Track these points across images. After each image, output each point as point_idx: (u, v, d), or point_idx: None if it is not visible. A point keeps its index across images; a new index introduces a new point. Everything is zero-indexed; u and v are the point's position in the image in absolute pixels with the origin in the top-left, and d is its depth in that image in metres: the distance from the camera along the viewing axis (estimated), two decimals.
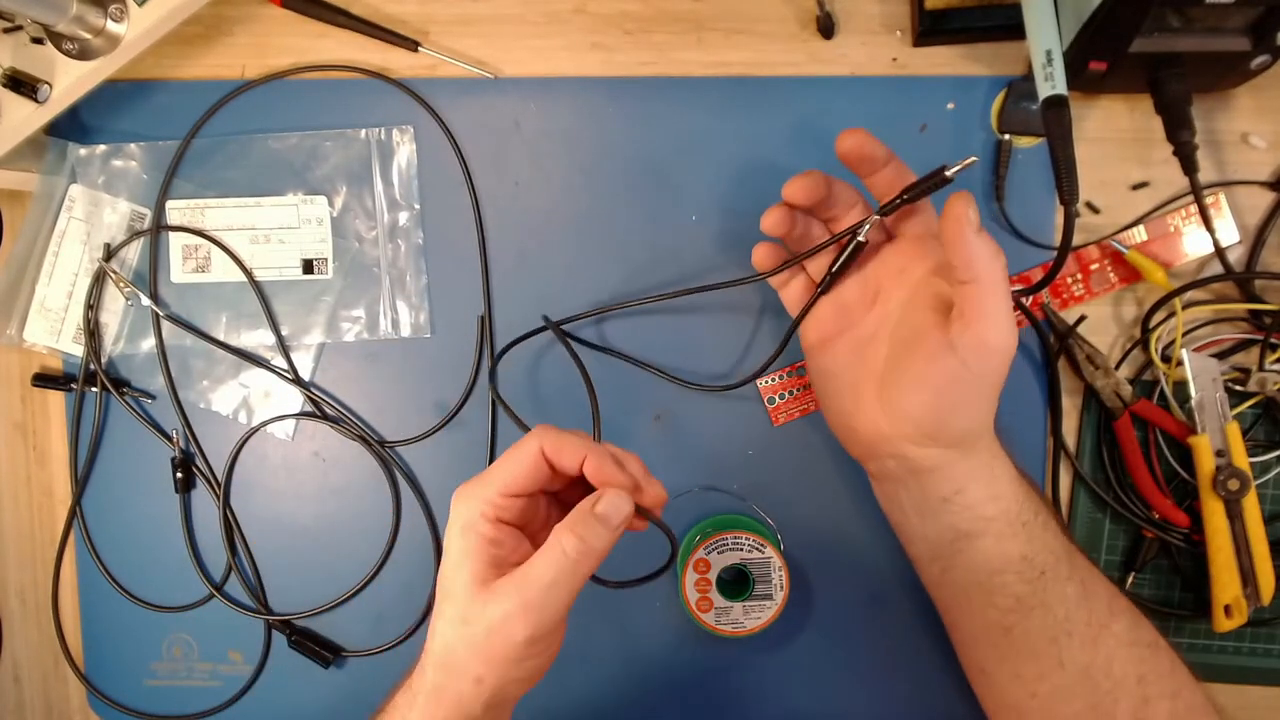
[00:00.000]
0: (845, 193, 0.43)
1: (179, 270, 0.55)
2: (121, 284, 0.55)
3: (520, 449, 0.37)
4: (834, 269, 0.44)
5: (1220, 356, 0.51)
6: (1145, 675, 0.40)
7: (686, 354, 0.53)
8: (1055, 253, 0.44)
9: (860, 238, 0.42)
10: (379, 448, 0.55)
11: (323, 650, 0.55)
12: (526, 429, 0.40)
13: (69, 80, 0.48)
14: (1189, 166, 0.48)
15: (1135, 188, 0.52)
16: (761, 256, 0.46)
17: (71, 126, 0.54)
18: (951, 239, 0.38)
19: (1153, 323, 0.51)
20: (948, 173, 0.39)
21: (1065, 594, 0.41)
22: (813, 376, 0.46)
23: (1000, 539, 0.41)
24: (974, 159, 0.39)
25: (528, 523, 0.39)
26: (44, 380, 0.56)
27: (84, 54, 0.48)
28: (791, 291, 0.47)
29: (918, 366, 0.40)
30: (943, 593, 0.44)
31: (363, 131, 0.54)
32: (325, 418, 0.55)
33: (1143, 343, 0.52)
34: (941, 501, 0.41)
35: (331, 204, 0.54)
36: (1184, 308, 0.50)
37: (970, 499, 0.41)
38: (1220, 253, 0.50)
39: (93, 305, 0.55)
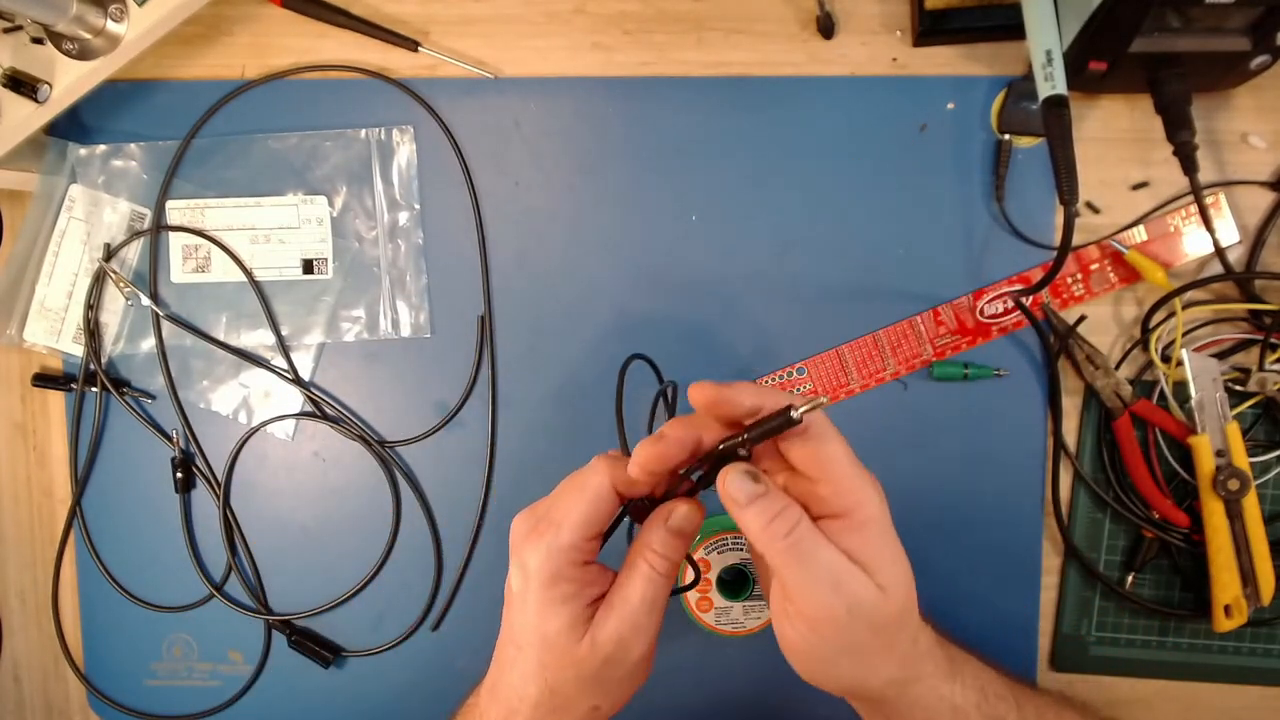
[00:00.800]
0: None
1: (179, 270, 0.55)
2: (121, 284, 0.55)
3: (590, 488, 0.35)
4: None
5: (1220, 356, 0.51)
6: None
7: (694, 350, 0.53)
8: (1055, 253, 0.45)
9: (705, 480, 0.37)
10: (379, 448, 0.55)
11: (323, 650, 0.55)
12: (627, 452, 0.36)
13: (69, 80, 0.48)
14: (1189, 166, 0.48)
15: (1135, 188, 0.52)
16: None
17: (71, 126, 0.54)
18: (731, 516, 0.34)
19: (1153, 323, 0.51)
20: (794, 414, 0.32)
21: None
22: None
23: None
24: (825, 400, 0.32)
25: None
26: (44, 380, 0.56)
27: (84, 54, 0.48)
28: None
29: (781, 628, 0.35)
30: None
31: (363, 131, 0.54)
32: (325, 418, 0.55)
33: (1143, 343, 0.52)
34: None
35: (331, 204, 0.54)
36: (1184, 308, 0.50)
37: None
38: (1220, 253, 0.50)
39: (93, 305, 0.55)
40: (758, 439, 0.34)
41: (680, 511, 0.36)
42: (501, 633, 0.39)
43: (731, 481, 0.33)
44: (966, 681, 0.39)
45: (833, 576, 0.32)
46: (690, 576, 0.44)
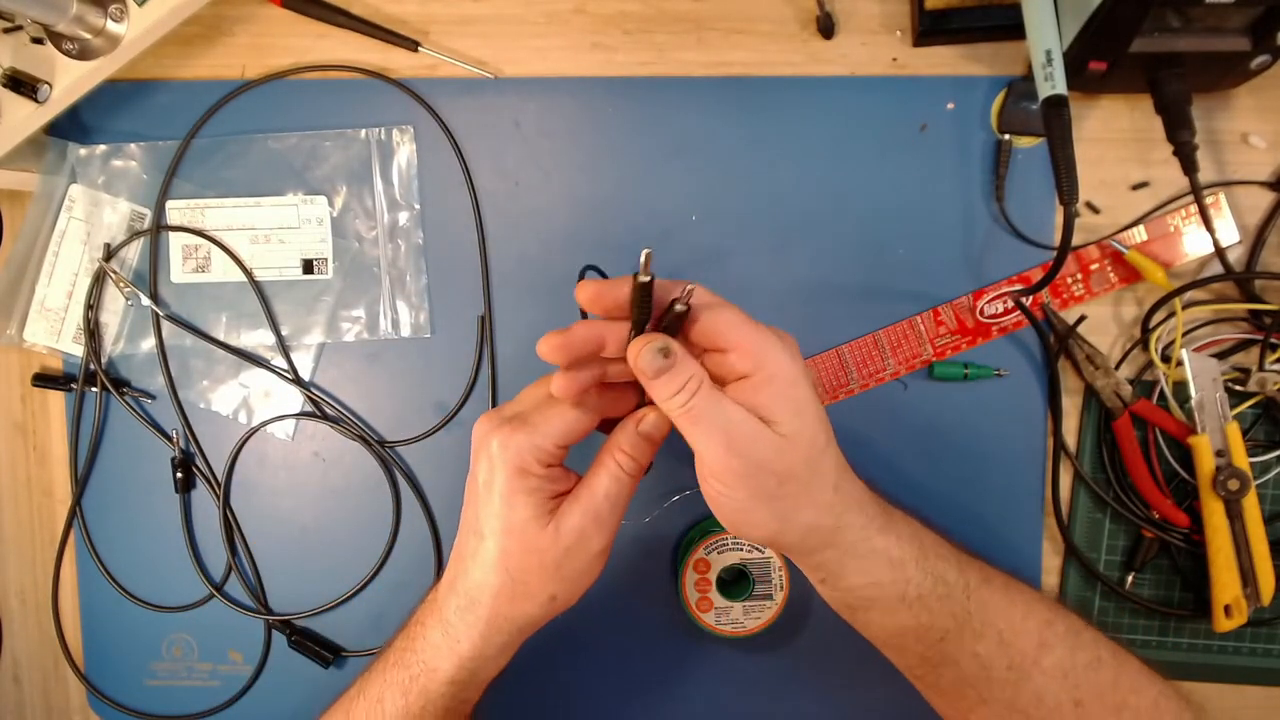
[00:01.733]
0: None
1: (179, 270, 0.55)
2: (121, 284, 0.55)
3: (574, 405, 0.38)
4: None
5: (1220, 356, 0.51)
6: (1082, 699, 0.40)
7: None
8: (1055, 253, 0.45)
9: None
10: (379, 448, 0.55)
11: (323, 650, 0.55)
12: None
13: (69, 80, 0.48)
14: (1189, 166, 0.48)
15: (1135, 188, 0.52)
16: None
17: (71, 126, 0.54)
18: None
19: (1153, 323, 0.51)
20: (678, 307, 0.35)
21: (975, 651, 0.40)
22: None
23: (890, 613, 0.40)
24: (692, 285, 0.35)
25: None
26: (44, 380, 0.56)
27: (84, 54, 0.48)
28: None
29: (703, 489, 0.38)
30: (863, 638, 0.43)
31: (363, 131, 0.54)
32: (325, 418, 0.55)
33: (1143, 343, 0.52)
34: (820, 583, 0.40)
35: (331, 204, 0.54)
36: (1184, 308, 0.50)
37: (845, 584, 0.39)
38: (1220, 253, 0.50)
39: (93, 305, 0.55)
40: (641, 320, 0.36)
41: (650, 418, 0.39)
42: (462, 526, 0.40)
43: (642, 356, 0.35)
44: (902, 535, 0.40)
45: (726, 434, 0.35)
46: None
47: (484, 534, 0.38)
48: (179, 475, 0.55)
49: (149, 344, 0.55)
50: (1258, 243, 0.51)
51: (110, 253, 0.55)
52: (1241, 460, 0.49)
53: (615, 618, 0.55)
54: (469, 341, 0.54)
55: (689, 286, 0.35)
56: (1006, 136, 0.51)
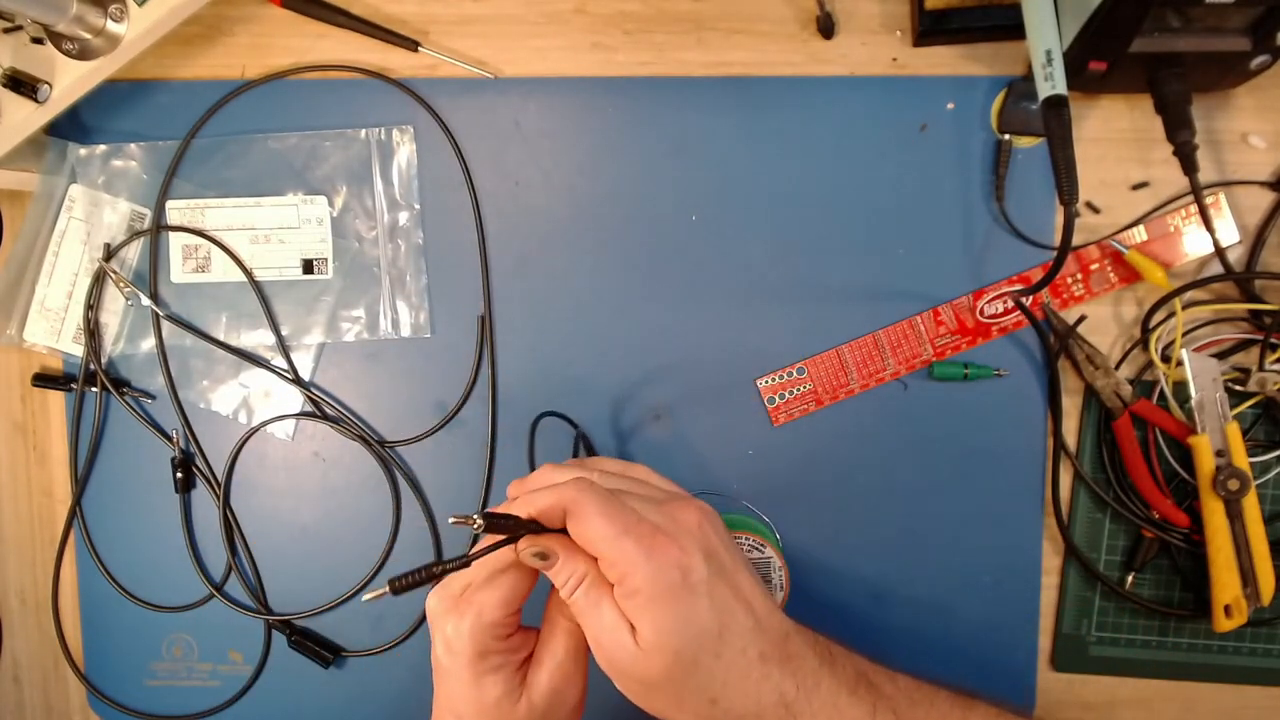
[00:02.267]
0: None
1: (179, 270, 0.55)
2: (121, 284, 0.55)
3: (510, 566, 0.37)
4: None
5: (1220, 356, 0.51)
6: None
7: (693, 350, 0.54)
8: (1055, 253, 0.45)
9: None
10: (379, 448, 0.55)
11: (323, 650, 0.55)
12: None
13: (69, 80, 0.48)
14: (1189, 166, 0.48)
15: (1135, 188, 0.52)
16: None
17: (71, 126, 0.54)
18: None
19: (1153, 323, 0.51)
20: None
21: None
22: None
23: None
24: (381, 594, 0.34)
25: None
26: (44, 380, 0.56)
27: (84, 54, 0.48)
28: None
29: None
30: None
31: (363, 131, 0.54)
32: (325, 418, 0.55)
33: (1143, 343, 0.52)
34: None
35: (331, 204, 0.54)
36: (1184, 308, 0.50)
37: None
38: (1220, 253, 0.50)
39: (93, 305, 0.55)
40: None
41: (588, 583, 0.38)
42: (438, 701, 0.40)
43: (522, 556, 0.36)
44: None
45: (596, 634, 0.36)
46: None
47: (460, 714, 0.38)
48: (179, 475, 0.55)
49: (149, 344, 0.55)
50: (1258, 243, 0.51)
51: (110, 253, 0.55)
52: (1241, 460, 0.49)
53: None
54: (469, 341, 0.54)
55: (468, 519, 0.34)
56: (1006, 136, 0.51)
